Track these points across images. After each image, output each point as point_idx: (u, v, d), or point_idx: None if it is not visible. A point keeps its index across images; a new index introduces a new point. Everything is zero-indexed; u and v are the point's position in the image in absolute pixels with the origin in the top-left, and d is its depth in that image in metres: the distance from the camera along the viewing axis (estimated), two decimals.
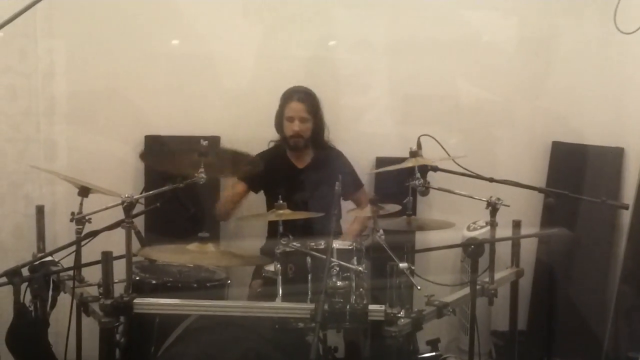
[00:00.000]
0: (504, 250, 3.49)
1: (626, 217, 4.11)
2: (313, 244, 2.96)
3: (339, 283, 2.80)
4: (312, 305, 2.69)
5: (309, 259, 2.90)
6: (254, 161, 3.37)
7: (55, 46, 4.22)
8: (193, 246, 2.99)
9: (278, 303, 2.91)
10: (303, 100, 4.03)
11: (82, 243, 3.10)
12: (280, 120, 4.08)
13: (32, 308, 3.00)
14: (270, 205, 3.78)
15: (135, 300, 2.77)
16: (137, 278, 3.20)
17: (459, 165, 3.33)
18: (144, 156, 3.81)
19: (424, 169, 3.28)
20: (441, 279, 3.24)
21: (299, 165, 4.14)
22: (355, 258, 2.91)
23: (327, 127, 4.18)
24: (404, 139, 3.37)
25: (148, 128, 4.30)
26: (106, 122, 4.32)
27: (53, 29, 4.19)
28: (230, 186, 4.12)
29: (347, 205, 4.10)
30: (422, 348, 3.24)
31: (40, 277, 2.92)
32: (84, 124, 4.29)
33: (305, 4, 4.41)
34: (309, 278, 2.90)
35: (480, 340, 3.08)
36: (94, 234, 3.02)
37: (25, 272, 2.88)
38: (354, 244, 2.95)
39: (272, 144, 4.20)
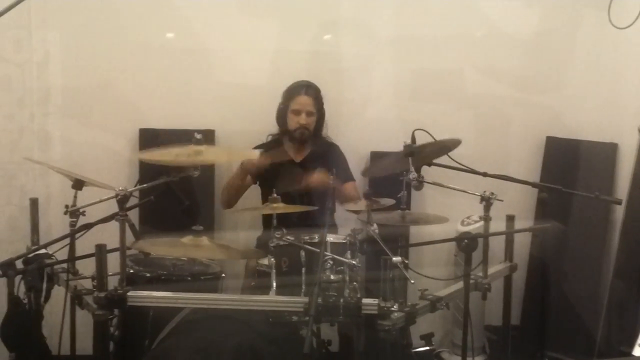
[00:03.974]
0: (497, 245, 3.50)
1: (619, 212, 4.12)
2: (307, 237, 2.97)
3: (332, 276, 2.81)
4: (306, 299, 2.69)
5: (302, 253, 2.91)
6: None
7: (50, 37, 4.20)
8: (187, 239, 2.99)
9: (272, 296, 2.92)
10: (310, 95, 4.06)
11: (76, 236, 3.09)
12: (284, 114, 4.09)
13: (26, 300, 3.00)
14: (266, 198, 3.78)
15: (129, 293, 2.77)
16: (131, 271, 3.21)
17: (453, 159, 3.33)
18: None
19: (418, 163, 3.27)
20: (435, 273, 3.24)
21: (296, 159, 4.15)
22: (349, 252, 2.91)
23: (327, 122, 4.20)
24: (399, 133, 3.36)
25: (142, 121, 4.29)
26: (100, 114, 4.31)
27: (47, 19, 4.17)
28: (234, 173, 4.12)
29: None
30: (416, 342, 3.24)
31: (34, 270, 2.92)
32: (78, 116, 4.27)
33: None
34: (303, 271, 2.91)
35: (474, 335, 3.09)
36: (88, 226, 3.01)
37: (19, 264, 2.88)
38: (348, 238, 2.95)
39: (270, 137, 4.21)
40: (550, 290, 4.25)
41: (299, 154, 4.16)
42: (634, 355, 2.48)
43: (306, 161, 4.14)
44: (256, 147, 4.09)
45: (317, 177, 3.82)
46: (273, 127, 4.19)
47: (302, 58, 4.40)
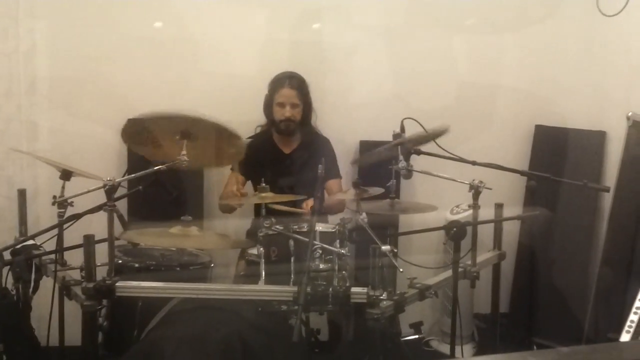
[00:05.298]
0: (486, 233, 3.51)
1: (607, 199, 4.14)
2: (296, 226, 2.96)
3: (321, 265, 2.81)
4: (295, 288, 2.70)
5: (291, 242, 2.91)
6: (240, 144, 3.32)
7: (37, 26, 4.17)
8: (176, 229, 2.99)
9: (261, 286, 2.92)
10: (294, 87, 4.05)
11: (64, 226, 3.09)
12: (269, 105, 4.10)
13: (14, 291, 3.00)
14: (256, 188, 3.78)
15: (117, 284, 2.77)
16: (120, 261, 3.20)
17: (442, 148, 3.33)
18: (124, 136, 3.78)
19: (407, 152, 3.28)
20: (424, 261, 3.25)
21: (285, 150, 4.15)
22: (337, 241, 2.91)
23: (315, 112, 4.19)
24: (387, 122, 3.36)
25: (131, 111, 4.25)
26: (89, 104, 4.28)
27: (35, 9, 4.14)
28: (230, 179, 4.11)
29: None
30: (405, 331, 3.26)
31: (22, 261, 2.92)
32: (66, 106, 4.25)
33: None
34: (292, 261, 2.91)
35: (463, 323, 3.10)
36: (76, 217, 3.00)
37: (7, 255, 2.88)
38: (337, 227, 2.96)
39: (259, 129, 4.21)
40: (538, 277, 4.28)
41: (288, 145, 4.16)
42: (621, 342, 2.49)
43: (295, 153, 4.14)
44: (247, 139, 4.09)
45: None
46: (262, 117, 4.18)
47: (291, 48, 4.39)
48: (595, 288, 4.12)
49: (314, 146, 4.16)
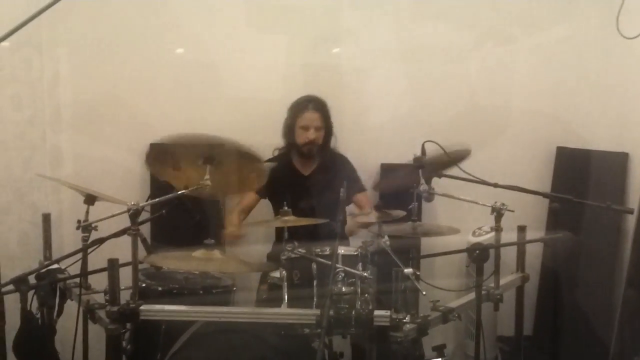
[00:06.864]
0: (509, 256, 3.49)
1: (631, 221, 4.10)
2: (318, 250, 2.97)
3: (344, 289, 2.81)
4: (318, 311, 2.70)
5: (314, 265, 2.91)
6: (262, 167, 3.35)
7: (61, 55, 4.25)
8: (199, 253, 3.00)
9: (284, 309, 2.92)
10: (318, 110, 4.09)
11: (89, 250, 3.11)
12: (291, 129, 4.12)
13: (38, 315, 3.02)
14: (277, 211, 3.80)
15: (141, 307, 2.78)
16: (144, 285, 3.22)
17: (463, 170, 3.33)
18: (148, 160, 3.83)
19: (429, 175, 3.28)
20: (446, 284, 3.23)
21: (304, 172, 4.17)
22: (360, 264, 2.91)
23: (335, 135, 4.21)
24: (408, 145, 3.37)
25: (153, 136, 4.30)
26: (112, 129, 4.34)
27: (58, 38, 4.22)
28: (240, 196, 4.16)
29: (351, 212, 4.10)
30: (428, 354, 3.23)
31: (47, 285, 2.93)
32: (89, 131, 4.31)
33: (309, 11, 4.43)
34: (315, 284, 2.91)
35: (486, 346, 3.08)
36: (100, 241, 3.03)
37: (32, 279, 2.89)
38: (359, 250, 2.96)
39: (276, 152, 4.23)
40: (562, 300, 4.23)
41: (307, 167, 4.18)
42: None
43: (314, 174, 4.16)
44: (265, 162, 4.11)
45: None
46: (280, 140, 4.21)
47: (311, 71, 4.43)
48: (620, 311, 4.07)
49: (333, 166, 4.18)
